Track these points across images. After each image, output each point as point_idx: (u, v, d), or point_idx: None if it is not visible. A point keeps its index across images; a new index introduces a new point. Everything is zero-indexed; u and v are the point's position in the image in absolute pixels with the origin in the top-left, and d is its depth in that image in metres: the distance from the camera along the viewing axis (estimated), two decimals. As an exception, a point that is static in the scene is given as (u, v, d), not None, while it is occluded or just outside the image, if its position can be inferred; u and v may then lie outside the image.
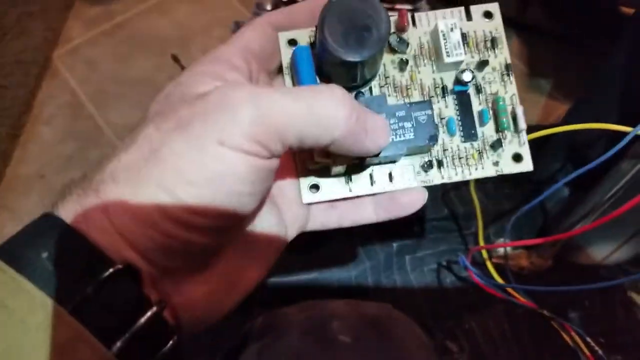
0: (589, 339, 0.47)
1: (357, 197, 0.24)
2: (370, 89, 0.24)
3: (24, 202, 0.56)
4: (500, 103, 0.23)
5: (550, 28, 0.68)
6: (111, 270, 0.16)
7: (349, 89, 0.23)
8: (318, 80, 0.22)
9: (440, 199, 0.55)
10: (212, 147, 0.17)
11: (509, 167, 0.24)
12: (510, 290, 0.49)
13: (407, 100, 0.23)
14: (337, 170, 0.23)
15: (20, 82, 0.61)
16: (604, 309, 0.51)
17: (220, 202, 0.17)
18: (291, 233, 0.24)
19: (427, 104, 0.22)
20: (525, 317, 0.49)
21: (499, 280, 0.50)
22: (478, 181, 0.28)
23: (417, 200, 0.24)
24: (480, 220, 0.46)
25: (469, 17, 0.24)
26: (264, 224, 0.22)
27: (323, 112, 0.18)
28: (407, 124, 0.22)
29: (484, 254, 0.50)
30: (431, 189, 0.24)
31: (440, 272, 0.52)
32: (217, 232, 0.19)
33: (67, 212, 0.18)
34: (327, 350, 0.36)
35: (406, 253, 0.53)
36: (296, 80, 0.22)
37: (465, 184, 0.56)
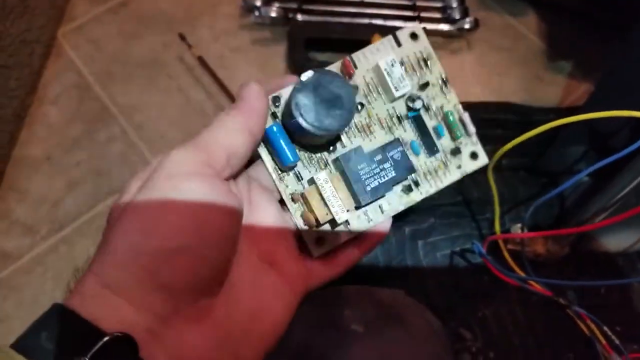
0: (605, 328, 0.46)
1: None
2: (338, 136, 0.25)
3: (31, 183, 0.55)
4: (450, 118, 0.27)
5: (569, 4, 0.66)
6: (104, 340, 0.17)
7: (323, 147, 0.25)
8: (297, 153, 0.24)
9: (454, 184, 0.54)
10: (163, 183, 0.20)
11: (470, 166, 0.28)
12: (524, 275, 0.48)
13: (371, 137, 0.26)
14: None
15: (24, 62, 0.60)
16: (621, 298, 0.50)
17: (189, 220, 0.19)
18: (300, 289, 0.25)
19: (397, 142, 0.25)
20: (540, 305, 0.48)
21: (515, 267, 0.49)
22: (483, 169, 0.30)
23: (385, 228, 0.27)
24: (498, 207, 0.45)
25: (398, 43, 0.26)
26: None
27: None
28: (387, 165, 0.25)
29: (498, 230, 0.48)
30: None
31: (454, 258, 0.51)
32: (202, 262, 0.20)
33: (68, 297, 0.19)
34: (339, 341, 0.35)
35: (419, 238, 0.52)
36: (278, 160, 0.24)
37: (482, 170, 0.54)
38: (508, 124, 0.56)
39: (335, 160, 0.25)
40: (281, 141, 0.23)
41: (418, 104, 0.26)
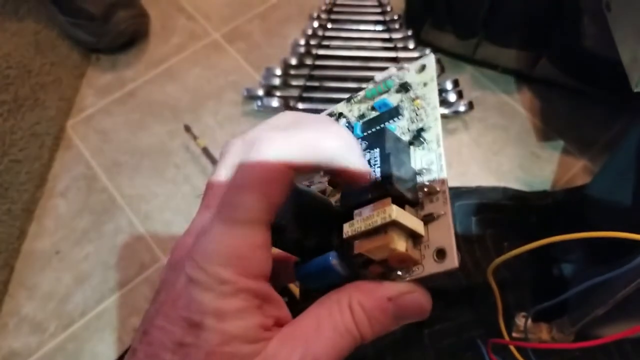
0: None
1: None
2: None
3: (40, 279, 0.56)
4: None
5: (561, 81, 0.68)
6: None
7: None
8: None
9: (458, 270, 0.54)
10: None
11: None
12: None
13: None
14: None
15: (35, 155, 0.62)
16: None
17: None
18: None
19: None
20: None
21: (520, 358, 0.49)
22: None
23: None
24: (500, 305, 0.45)
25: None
26: None
27: None
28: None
29: (503, 329, 0.49)
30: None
31: (460, 348, 0.51)
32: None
33: None
34: None
35: (425, 327, 0.52)
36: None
37: (485, 265, 0.55)
38: (506, 208, 0.57)
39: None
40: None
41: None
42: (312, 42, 0.70)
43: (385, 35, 0.70)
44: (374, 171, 0.21)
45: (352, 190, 0.21)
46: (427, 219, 0.20)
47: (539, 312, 0.53)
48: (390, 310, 0.20)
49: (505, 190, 0.59)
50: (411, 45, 0.69)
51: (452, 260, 0.18)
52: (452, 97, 0.65)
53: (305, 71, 0.67)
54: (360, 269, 0.20)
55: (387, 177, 0.20)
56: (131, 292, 0.55)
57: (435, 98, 0.24)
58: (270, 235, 0.19)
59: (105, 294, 0.55)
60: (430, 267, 0.19)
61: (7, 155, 0.59)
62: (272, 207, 0.19)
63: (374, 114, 0.26)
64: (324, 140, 0.19)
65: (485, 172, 0.63)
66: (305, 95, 0.64)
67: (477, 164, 0.64)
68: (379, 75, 0.26)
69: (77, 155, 0.64)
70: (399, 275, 0.20)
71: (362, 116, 0.27)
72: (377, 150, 0.21)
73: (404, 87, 0.25)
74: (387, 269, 0.20)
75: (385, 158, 0.21)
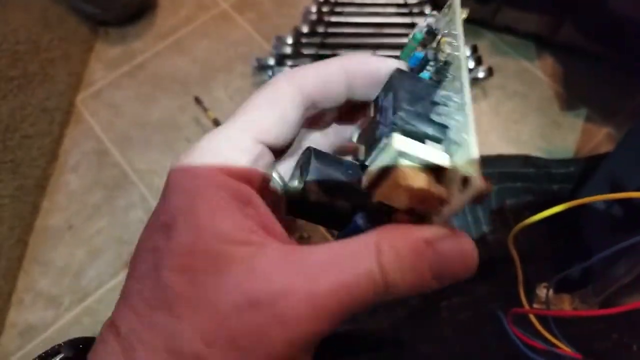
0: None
1: None
2: None
3: (54, 254, 0.56)
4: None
5: (585, 47, 0.65)
6: None
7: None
8: None
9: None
10: None
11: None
12: (551, 338, 0.46)
13: None
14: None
15: (45, 130, 0.61)
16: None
17: None
18: None
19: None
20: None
21: (541, 329, 0.47)
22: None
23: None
24: (521, 275, 0.44)
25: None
26: None
27: None
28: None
29: (524, 299, 0.47)
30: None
31: (479, 321, 0.50)
32: None
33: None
34: None
35: (441, 299, 0.51)
36: None
37: (505, 231, 0.53)
38: (527, 177, 0.55)
39: None
40: None
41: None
42: (324, 9, 0.67)
43: (400, 0, 0.67)
44: (389, 116, 0.18)
45: (368, 133, 0.19)
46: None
47: (561, 282, 0.51)
48: (429, 256, 0.16)
49: (526, 158, 0.56)
50: (427, 10, 0.66)
51: (476, 181, 0.15)
52: (470, 63, 0.62)
53: (317, 39, 0.65)
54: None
55: (395, 112, 0.18)
56: (145, 266, 0.55)
57: (459, 27, 0.20)
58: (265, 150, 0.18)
59: (118, 268, 0.55)
60: (456, 199, 0.16)
61: (18, 131, 0.59)
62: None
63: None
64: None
65: (505, 141, 0.61)
66: (317, 64, 0.62)
67: (496, 133, 0.62)
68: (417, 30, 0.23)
69: (88, 130, 0.63)
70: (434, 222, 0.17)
71: None
72: (390, 93, 0.19)
73: (431, 33, 0.22)
74: (417, 217, 0.17)
75: (395, 95, 0.18)
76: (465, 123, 0.17)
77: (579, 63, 0.66)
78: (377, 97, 0.20)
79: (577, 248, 0.54)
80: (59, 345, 0.18)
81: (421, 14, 0.66)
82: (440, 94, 0.18)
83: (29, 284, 0.54)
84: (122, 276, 0.55)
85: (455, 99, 0.18)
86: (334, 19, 0.66)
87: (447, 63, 0.20)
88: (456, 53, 0.19)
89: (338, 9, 0.67)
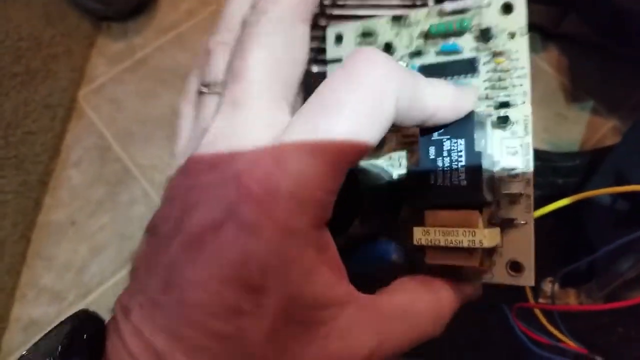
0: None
1: None
2: None
3: (57, 250, 0.56)
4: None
5: (590, 39, 0.64)
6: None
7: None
8: None
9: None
10: None
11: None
12: (557, 333, 0.46)
13: None
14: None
15: (47, 126, 0.61)
16: (663, 353, 0.47)
17: None
18: None
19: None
20: (577, 364, 0.46)
21: (546, 324, 0.47)
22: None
23: None
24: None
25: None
26: None
27: None
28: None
29: (529, 292, 0.47)
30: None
31: (484, 315, 0.50)
32: None
33: None
34: None
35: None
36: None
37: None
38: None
39: None
40: None
41: None
42: (326, 2, 0.67)
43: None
44: (457, 167, 0.17)
45: (422, 173, 0.17)
46: (504, 225, 0.17)
47: (567, 277, 0.51)
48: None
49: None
50: (431, 3, 0.66)
51: (530, 277, 0.16)
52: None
53: (319, 32, 0.64)
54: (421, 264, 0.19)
55: (475, 183, 0.16)
56: (147, 261, 0.55)
57: (526, 60, 0.19)
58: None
59: (121, 264, 0.55)
60: (501, 277, 0.17)
61: (21, 127, 0.59)
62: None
63: (434, 56, 0.20)
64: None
65: (509, 134, 0.60)
66: (320, 57, 0.62)
67: (500, 126, 0.61)
68: (449, 4, 0.19)
69: (90, 125, 0.63)
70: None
71: (417, 53, 0.21)
72: (462, 141, 0.17)
73: (485, 35, 0.19)
74: (451, 270, 0.19)
75: (473, 156, 0.17)
76: (528, 203, 0.19)
77: (585, 55, 0.65)
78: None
79: (583, 242, 0.53)
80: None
81: (424, 6, 0.66)
82: (495, 142, 0.19)
83: (32, 279, 0.54)
84: (124, 272, 0.55)
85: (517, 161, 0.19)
86: (336, 11, 0.66)
87: (506, 104, 0.19)
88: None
89: (340, 2, 0.67)
